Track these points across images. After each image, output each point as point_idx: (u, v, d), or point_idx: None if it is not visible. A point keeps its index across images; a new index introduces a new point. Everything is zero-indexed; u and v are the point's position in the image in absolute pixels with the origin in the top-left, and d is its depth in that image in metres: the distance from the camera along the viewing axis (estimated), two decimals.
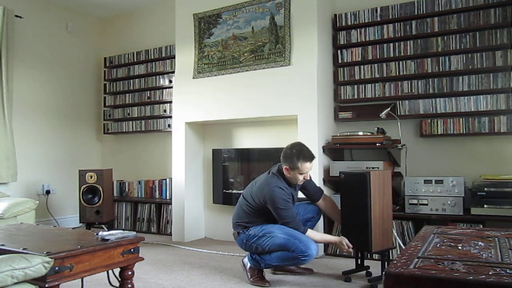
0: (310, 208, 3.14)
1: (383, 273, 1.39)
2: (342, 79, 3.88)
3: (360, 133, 3.62)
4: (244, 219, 2.95)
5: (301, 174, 2.84)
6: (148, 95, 5.11)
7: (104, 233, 2.13)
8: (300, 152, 2.83)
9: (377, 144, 3.50)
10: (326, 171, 3.72)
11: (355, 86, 3.83)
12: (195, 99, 4.27)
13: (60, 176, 5.18)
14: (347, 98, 3.86)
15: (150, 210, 4.82)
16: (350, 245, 2.86)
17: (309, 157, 2.84)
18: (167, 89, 4.92)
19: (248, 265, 2.95)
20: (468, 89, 3.41)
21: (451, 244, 1.79)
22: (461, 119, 3.41)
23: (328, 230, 3.64)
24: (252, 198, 2.93)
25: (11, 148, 4.54)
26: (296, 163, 2.80)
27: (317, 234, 2.93)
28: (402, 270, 1.37)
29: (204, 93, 4.21)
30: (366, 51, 3.78)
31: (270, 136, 4.17)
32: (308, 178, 2.96)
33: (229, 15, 4.14)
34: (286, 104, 3.76)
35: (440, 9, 3.51)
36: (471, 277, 1.27)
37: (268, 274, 3.02)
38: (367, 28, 3.78)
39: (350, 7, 3.93)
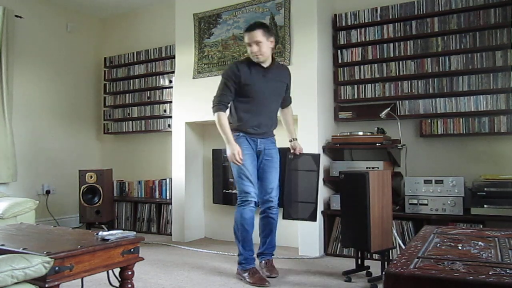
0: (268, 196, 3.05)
1: (383, 273, 1.39)
2: (342, 79, 3.88)
3: (360, 133, 3.62)
4: None
5: (248, 46, 2.91)
6: (148, 95, 5.11)
7: (104, 233, 2.12)
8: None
9: (377, 144, 3.50)
10: (326, 171, 3.72)
11: (355, 86, 3.83)
12: (195, 99, 4.26)
13: (60, 176, 5.18)
14: (347, 98, 3.86)
15: (150, 210, 4.82)
16: (240, 160, 2.86)
17: (247, 28, 2.97)
18: (167, 89, 4.92)
19: (239, 269, 2.99)
20: (468, 89, 3.41)
21: (451, 244, 1.79)
22: (461, 119, 3.41)
23: (328, 229, 3.64)
24: None
25: (11, 148, 4.54)
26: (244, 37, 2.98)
27: (223, 124, 2.92)
28: (402, 270, 1.37)
29: (204, 93, 4.19)
30: (366, 51, 3.78)
31: None
32: (256, 51, 2.87)
33: (229, 15, 4.14)
34: None
35: (440, 9, 3.51)
36: (471, 277, 1.27)
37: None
38: (367, 28, 3.77)
39: (350, 7, 3.93)
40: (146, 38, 5.36)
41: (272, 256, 3.15)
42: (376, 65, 3.74)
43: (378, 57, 3.73)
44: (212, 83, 4.15)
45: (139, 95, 5.21)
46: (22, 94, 4.83)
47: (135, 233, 2.22)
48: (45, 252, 1.75)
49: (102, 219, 4.58)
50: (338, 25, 3.91)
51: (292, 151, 3.16)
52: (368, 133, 3.60)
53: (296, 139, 3.20)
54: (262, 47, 2.86)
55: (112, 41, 5.72)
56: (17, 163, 4.61)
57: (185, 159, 4.35)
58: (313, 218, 3.08)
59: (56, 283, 1.77)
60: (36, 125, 5.01)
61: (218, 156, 4.34)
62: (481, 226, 3.06)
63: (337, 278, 2.96)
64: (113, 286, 2.27)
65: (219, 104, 2.95)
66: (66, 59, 5.35)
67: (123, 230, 2.50)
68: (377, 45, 3.74)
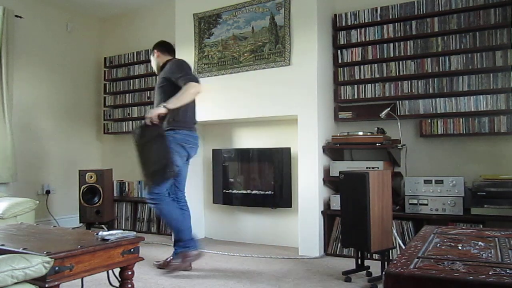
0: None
1: (383, 273, 1.39)
2: (342, 79, 3.88)
3: (360, 133, 3.62)
4: None
5: None
6: (148, 95, 5.11)
7: (104, 233, 2.12)
8: None
9: (377, 144, 3.50)
10: (326, 171, 3.72)
11: (355, 86, 3.83)
12: None
13: (60, 176, 5.18)
14: (347, 98, 3.86)
15: (150, 210, 4.82)
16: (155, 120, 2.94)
17: None
18: None
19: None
20: (468, 89, 3.41)
21: (451, 244, 1.79)
22: (461, 119, 3.41)
23: (328, 229, 3.64)
24: None
25: (11, 148, 4.54)
26: None
27: None
28: (402, 270, 1.37)
29: (204, 93, 4.20)
30: (366, 51, 3.78)
31: (270, 136, 4.17)
32: (155, 70, 3.51)
33: (229, 15, 4.14)
34: (286, 104, 3.76)
35: (440, 9, 3.51)
36: (471, 277, 1.27)
37: (265, 277, 3.02)
38: (367, 28, 3.77)
39: (350, 7, 3.93)
40: (146, 38, 5.35)
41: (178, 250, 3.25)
42: (376, 65, 3.74)
43: (378, 57, 3.73)
44: (212, 83, 4.18)
45: (139, 95, 5.20)
46: (22, 94, 4.83)
47: (135, 233, 2.22)
48: (45, 252, 1.75)
49: (102, 219, 4.58)
50: (338, 25, 3.91)
51: None
52: (368, 133, 3.60)
53: (162, 106, 2.97)
54: (153, 62, 3.55)
55: (112, 41, 5.72)
56: (17, 163, 4.60)
57: None
58: (168, 171, 3.00)
59: (56, 283, 1.77)
60: (36, 125, 5.01)
61: (218, 156, 4.34)
62: (481, 226, 3.06)
63: (337, 278, 2.96)
64: (113, 286, 2.27)
65: None
66: (66, 59, 5.35)
67: (123, 230, 2.50)
68: (377, 45, 3.74)
